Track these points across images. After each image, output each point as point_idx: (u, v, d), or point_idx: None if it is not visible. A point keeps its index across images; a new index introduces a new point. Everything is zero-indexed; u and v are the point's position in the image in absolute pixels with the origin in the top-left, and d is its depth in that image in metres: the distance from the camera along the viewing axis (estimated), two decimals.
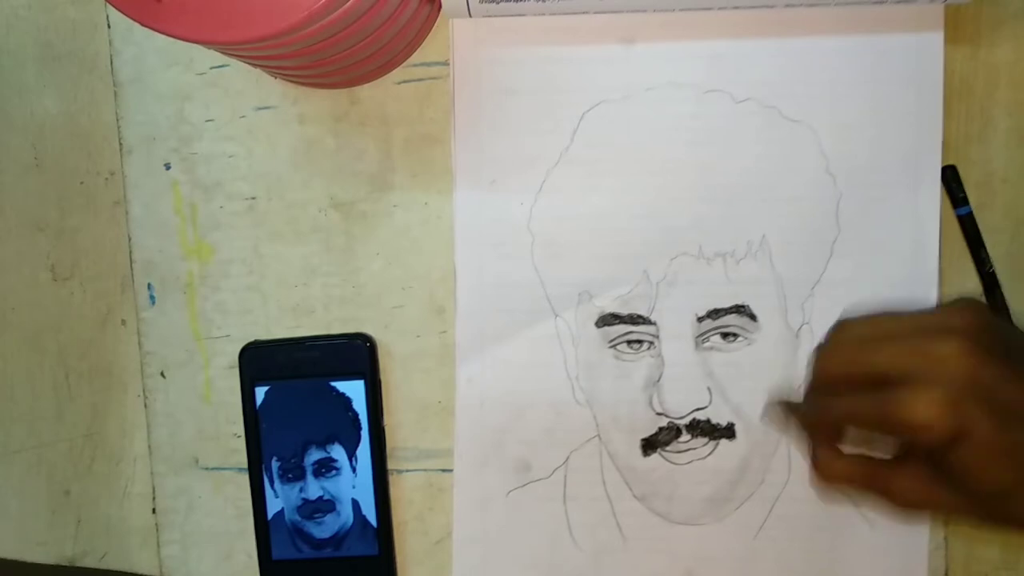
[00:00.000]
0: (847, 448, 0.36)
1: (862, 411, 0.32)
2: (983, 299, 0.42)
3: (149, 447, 0.47)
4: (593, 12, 0.41)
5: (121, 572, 0.47)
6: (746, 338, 0.42)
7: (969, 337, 0.31)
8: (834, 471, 0.35)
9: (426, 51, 0.43)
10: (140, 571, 0.47)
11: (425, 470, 0.45)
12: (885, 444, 0.36)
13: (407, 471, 0.45)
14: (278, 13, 0.31)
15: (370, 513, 0.44)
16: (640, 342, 0.42)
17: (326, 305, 0.45)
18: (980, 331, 0.31)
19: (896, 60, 0.41)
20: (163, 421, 0.46)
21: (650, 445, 0.43)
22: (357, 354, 0.44)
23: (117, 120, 0.46)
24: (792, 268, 0.42)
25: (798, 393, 0.42)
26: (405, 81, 0.44)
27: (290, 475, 0.44)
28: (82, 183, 0.46)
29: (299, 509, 0.44)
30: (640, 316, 0.42)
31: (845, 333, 0.34)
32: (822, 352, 0.35)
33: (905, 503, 0.34)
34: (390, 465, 0.45)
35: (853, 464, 0.35)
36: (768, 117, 0.42)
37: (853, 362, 0.33)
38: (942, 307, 0.33)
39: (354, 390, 0.44)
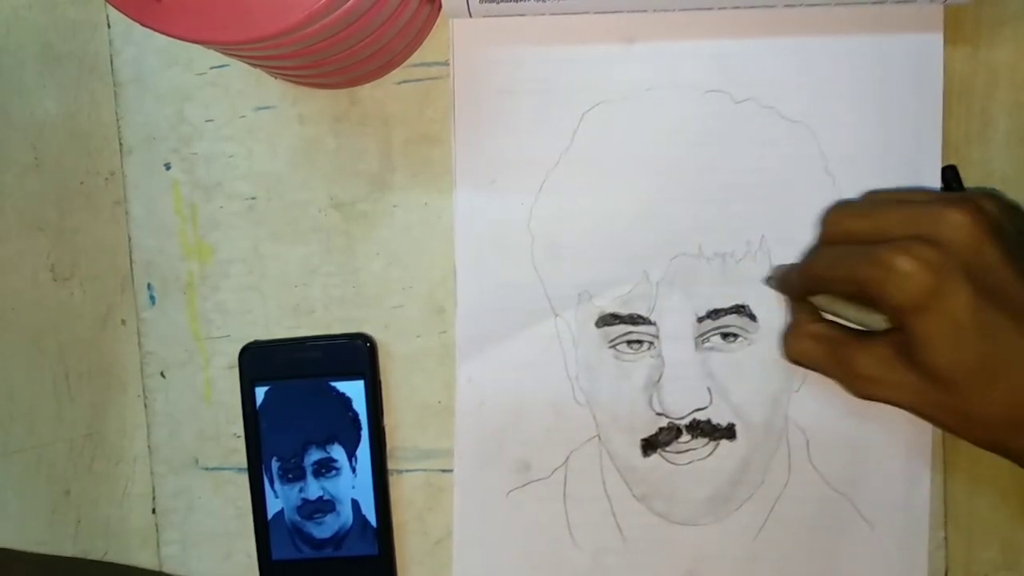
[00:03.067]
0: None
1: (847, 261, 0.32)
2: None
3: (149, 447, 0.47)
4: (593, 12, 0.41)
5: (121, 565, 0.47)
6: (746, 338, 0.42)
7: (983, 214, 0.30)
8: (804, 331, 0.35)
9: (426, 51, 0.43)
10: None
11: (425, 470, 0.45)
12: (864, 319, 0.35)
13: (407, 471, 0.45)
14: (278, 13, 0.31)
15: (370, 513, 0.44)
16: (640, 342, 0.42)
17: (326, 305, 0.45)
18: (994, 214, 0.30)
19: (896, 60, 0.41)
20: (163, 421, 0.46)
21: (650, 445, 0.43)
22: (357, 354, 0.44)
23: (117, 120, 0.46)
24: None
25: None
26: (405, 81, 0.44)
27: (290, 475, 0.44)
28: (82, 183, 0.46)
29: (299, 509, 0.44)
30: (640, 316, 0.42)
31: (867, 196, 0.35)
32: (833, 207, 0.34)
33: (862, 381, 0.33)
34: (390, 465, 0.45)
35: (824, 328, 0.35)
36: (768, 117, 0.42)
37: (862, 217, 0.33)
38: (967, 191, 0.32)
39: (354, 390, 0.44)
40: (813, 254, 0.36)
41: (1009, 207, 0.32)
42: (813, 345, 0.35)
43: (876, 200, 0.34)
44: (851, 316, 0.36)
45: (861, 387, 0.34)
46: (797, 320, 0.37)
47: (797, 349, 0.36)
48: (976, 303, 0.29)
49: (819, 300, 0.38)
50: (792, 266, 0.39)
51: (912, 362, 0.31)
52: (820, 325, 0.36)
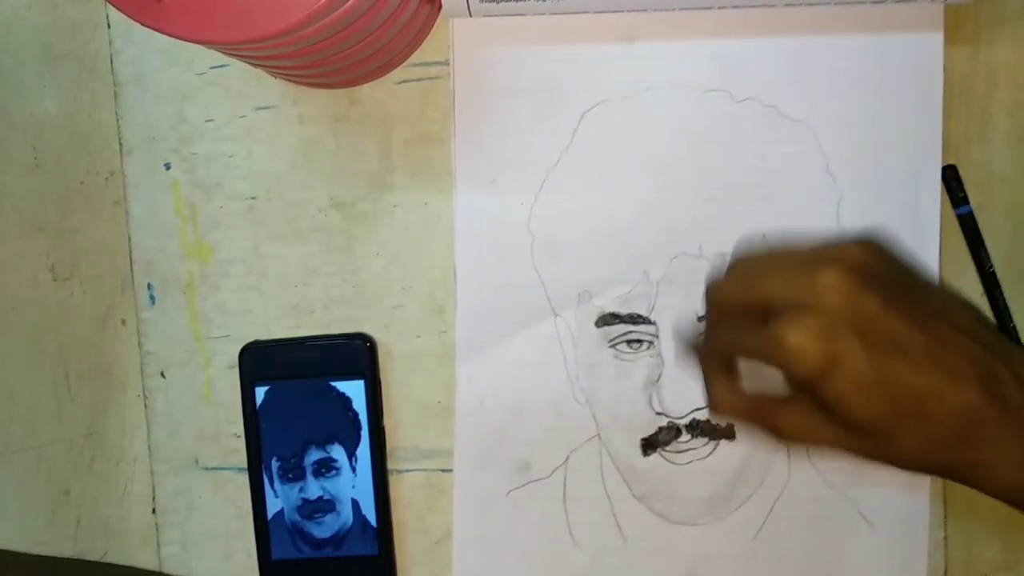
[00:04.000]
0: (744, 382, 0.36)
1: (745, 340, 0.32)
2: (985, 297, 0.42)
3: (149, 447, 0.47)
4: (593, 12, 0.41)
5: (120, 566, 0.47)
6: None
7: (850, 268, 0.30)
8: (726, 403, 0.35)
9: (426, 51, 0.43)
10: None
11: (425, 470, 0.45)
12: (778, 381, 0.35)
13: (407, 471, 0.45)
14: (278, 13, 0.31)
15: (370, 513, 0.44)
16: (640, 342, 0.42)
17: (326, 305, 0.45)
18: (864, 263, 0.31)
19: (896, 60, 0.41)
20: (163, 421, 0.46)
21: (650, 445, 0.43)
22: (357, 354, 0.44)
23: (117, 120, 0.46)
24: None
25: None
26: (405, 81, 0.44)
27: (290, 475, 0.44)
28: (82, 183, 0.46)
29: (299, 509, 0.44)
30: (640, 316, 0.42)
31: (738, 264, 0.34)
32: (714, 283, 0.34)
33: (791, 438, 0.33)
34: (390, 465, 0.45)
35: (743, 398, 0.35)
36: (768, 117, 0.42)
37: (741, 291, 0.33)
38: (837, 240, 0.33)
39: (354, 390, 0.44)
40: (711, 332, 0.36)
41: (880, 250, 0.32)
42: (739, 402, 0.35)
43: (749, 269, 0.34)
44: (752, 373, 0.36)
45: (790, 443, 0.34)
46: (716, 393, 0.37)
47: (724, 404, 0.36)
48: (869, 356, 0.30)
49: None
50: (696, 339, 0.38)
51: (830, 418, 0.32)
52: (736, 396, 0.35)
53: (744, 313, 0.33)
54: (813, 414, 0.32)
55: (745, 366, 0.36)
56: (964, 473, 0.32)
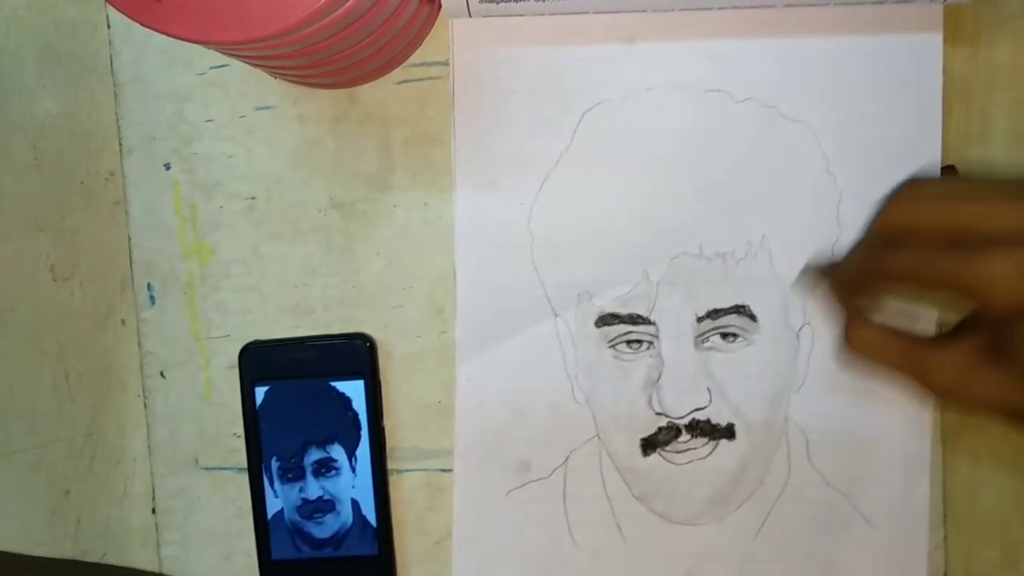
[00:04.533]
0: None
1: (934, 262, 0.30)
2: None
3: (149, 447, 0.47)
4: (593, 12, 0.41)
5: (120, 567, 0.47)
6: (746, 338, 0.42)
7: None
8: (869, 338, 0.33)
9: (426, 51, 0.43)
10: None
11: (425, 470, 0.45)
12: (925, 322, 0.33)
13: (407, 471, 0.45)
14: (278, 13, 0.31)
15: (370, 513, 0.44)
16: (640, 342, 0.42)
17: (326, 305, 0.45)
18: None
19: (896, 60, 0.41)
20: (163, 421, 0.46)
21: (650, 445, 0.43)
22: (357, 354, 0.44)
23: (117, 120, 0.46)
24: (792, 268, 0.42)
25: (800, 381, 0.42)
26: (405, 81, 0.44)
27: (290, 475, 0.44)
28: (82, 183, 0.46)
29: (299, 509, 0.44)
30: (640, 316, 0.42)
31: (925, 187, 0.32)
32: (893, 199, 0.32)
33: (945, 385, 0.31)
34: (390, 465, 0.45)
35: (891, 335, 0.33)
36: (768, 117, 0.42)
37: (936, 212, 0.30)
38: None
39: (354, 390, 0.44)
40: (877, 252, 0.33)
41: None
42: (886, 340, 0.33)
43: (946, 192, 0.31)
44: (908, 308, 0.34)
45: (942, 389, 0.32)
46: (855, 316, 0.34)
47: (868, 343, 0.33)
48: None
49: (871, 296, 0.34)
50: (839, 263, 0.35)
51: (1006, 365, 0.30)
52: (882, 332, 0.33)
53: (926, 238, 0.30)
54: (980, 360, 0.30)
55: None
56: None
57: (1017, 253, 0.28)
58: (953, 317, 0.32)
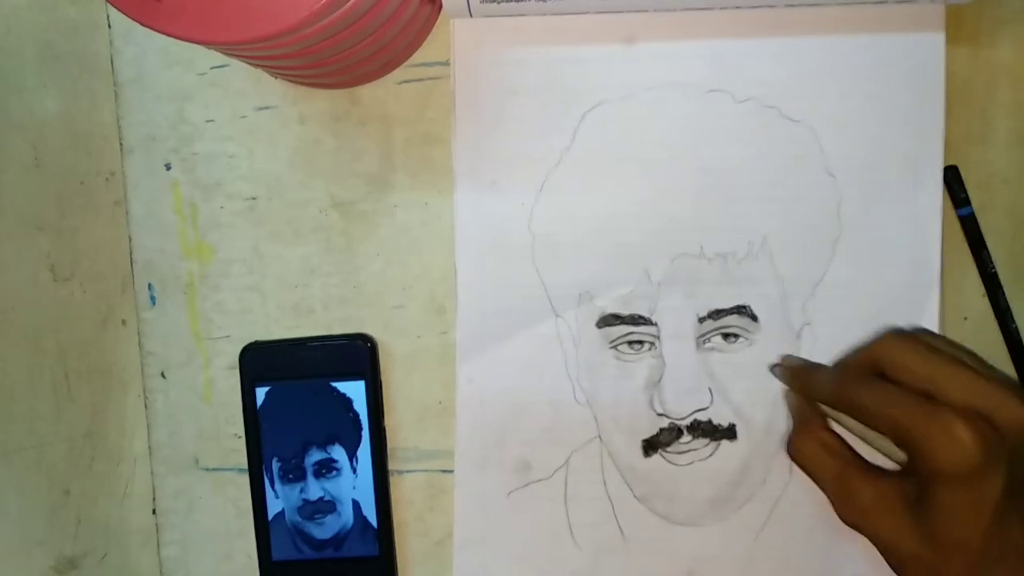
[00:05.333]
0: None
1: (904, 405, 0.32)
2: (986, 299, 0.42)
3: (149, 447, 0.46)
4: (594, 12, 0.41)
5: None
6: (747, 339, 0.42)
7: None
8: (809, 450, 0.36)
9: (426, 51, 0.43)
10: (140, 572, 0.47)
11: (425, 470, 0.45)
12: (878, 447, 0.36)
13: (407, 471, 0.45)
14: (278, 13, 0.31)
15: (371, 514, 0.44)
16: (641, 342, 0.42)
17: (326, 305, 0.45)
18: None
19: (897, 60, 0.41)
20: (163, 421, 0.46)
21: (651, 446, 0.43)
22: (357, 354, 0.44)
23: (117, 120, 0.46)
24: (793, 268, 0.42)
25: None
26: (405, 81, 0.43)
27: (290, 476, 0.44)
28: (82, 183, 0.46)
29: (299, 510, 0.44)
30: (641, 316, 0.42)
31: (922, 338, 0.35)
32: (893, 336, 0.35)
33: (857, 512, 0.34)
34: (391, 466, 0.45)
35: (836, 447, 0.36)
36: (768, 117, 0.41)
37: (927, 363, 0.33)
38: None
39: (355, 390, 0.44)
40: (856, 379, 0.36)
41: None
42: (822, 455, 0.36)
43: (942, 351, 0.34)
44: (859, 435, 0.36)
45: (852, 516, 0.35)
46: (809, 422, 0.37)
47: (806, 453, 0.37)
48: (1005, 493, 0.31)
49: (828, 410, 0.38)
50: (815, 370, 0.39)
51: (916, 516, 0.32)
52: (832, 437, 0.36)
53: (907, 382, 0.33)
54: (898, 504, 0.33)
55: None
56: None
57: (977, 425, 0.31)
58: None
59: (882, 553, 0.34)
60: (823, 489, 0.36)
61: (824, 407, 0.38)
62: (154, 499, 0.47)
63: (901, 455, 0.35)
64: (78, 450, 0.47)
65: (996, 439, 0.30)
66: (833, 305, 0.42)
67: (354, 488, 0.44)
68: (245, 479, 0.45)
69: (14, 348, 0.47)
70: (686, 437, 0.42)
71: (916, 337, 0.35)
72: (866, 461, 0.36)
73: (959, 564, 0.31)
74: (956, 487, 0.31)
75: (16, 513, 0.47)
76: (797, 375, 0.39)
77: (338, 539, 0.44)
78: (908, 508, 0.33)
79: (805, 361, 0.41)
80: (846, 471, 0.35)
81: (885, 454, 0.36)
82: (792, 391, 0.40)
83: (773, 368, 0.41)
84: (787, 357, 0.41)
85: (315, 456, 0.44)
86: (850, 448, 0.36)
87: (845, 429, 0.37)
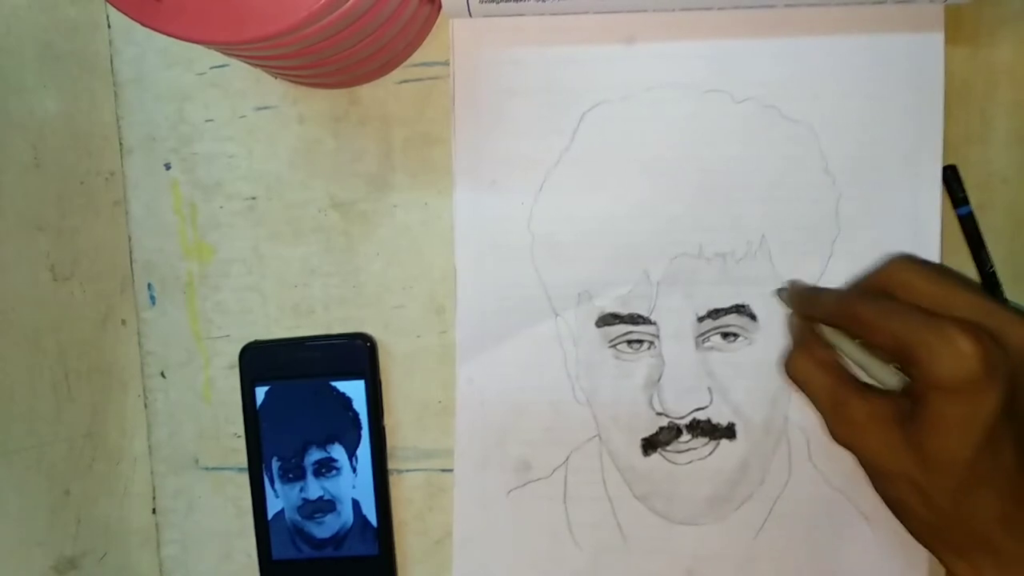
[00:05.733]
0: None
1: (908, 316, 0.32)
2: None
3: (149, 447, 0.47)
4: (593, 12, 0.41)
5: None
6: (746, 338, 0.42)
7: None
8: (803, 366, 0.36)
9: (426, 51, 0.43)
10: (140, 572, 0.47)
11: (425, 470, 0.45)
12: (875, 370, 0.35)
13: (407, 471, 0.45)
14: (278, 13, 0.31)
15: (370, 513, 0.44)
16: (640, 342, 0.42)
17: (326, 305, 0.45)
18: None
19: (896, 60, 0.41)
20: (163, 421, 0.46)
21: (650, 445, 0.43)
22: (357, 354, 0.44)
23: (117, 120, 0.46)
24: (792, 268, 0.42)
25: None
26: (405, 81, 0.44)
27: (290, 475, 0.44)
28: (82, 183, 0.46)
29: (299, 509, 0.44)
30: (640, 316, 0.42)
31: (930, 263, 0.35)
32: (903, 258, 0.35)
33: (849, 427, 0.34)
34: (390, 465, 0.45)
35: (831, 365, 0.35)
36: (768, 117, 0.42)
37: (936, 283, 0.33)
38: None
39: (354, 390, 0.44)
40: (861, 295, 0.35)
41: None
42: (818, 372, 0.35)
43: (950, 275, 0.34)
44: (855, 359, 0.36)
45: (845, 432, 0.34)
46: (807, 341, 0.37)
47: (802, 369, 0.36)
48: (1000, 412, 0.30)
49: (827, 332, 0.37)
50: (821, 290, 0.39)
51: (908, 432, 0.32)
52: (829, 355, 0.36)
53: (915, 299, 0.33)
54: (891, 420, 0.32)
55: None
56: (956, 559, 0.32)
57: (979, 337, 0.30)
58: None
59: (869, 473, 0.34)
60: (816, 406, 0.35)
61: (825, 330, 0.37)
62: (154, 499, 0.47)
63: (896, 381, 0.34)
64: (78, 450, 0.47)
65: (999, 354, 0.30)
66: None
67: (354, 487, 0.44)
68: (245, 478, 0.45)
69: (14, 348, 0.47)
70: (685, 436, 0.43)
71: (924, 261, 0.35)
72: (861, 381, 0.35)
73: (946, 482, 0.31)
74: (952, 399, 0.30)
75: (16, 513, 0.47)
76: (802, 295, 0.39)
77: (338, 538, 0.44)
78: (900, 424, 0.32)
79: (806, 284, 0.40)
80: (840, 387, 0.34)
81: (882, 383, 0.35)
82: (795, 314, 0.39)
83: (780, 291, 0.40)
84: (795, 281, 0.41)
85: (315, 455, 0.44)
86: (844, 367, 0.36)
87: (844, 356, 0.37)
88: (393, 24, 0.38)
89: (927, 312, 0.32)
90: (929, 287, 0.33)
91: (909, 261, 0.35)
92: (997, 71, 0.41)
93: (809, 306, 0.38)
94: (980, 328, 0.30)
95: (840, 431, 0.34)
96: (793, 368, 0.37)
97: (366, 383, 0.44)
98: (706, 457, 0.43)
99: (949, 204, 0.42)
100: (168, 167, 0.45)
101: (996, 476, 0.31)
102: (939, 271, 0.34)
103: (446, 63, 0.43)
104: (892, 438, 0.32)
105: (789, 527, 0.43)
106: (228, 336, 0.45)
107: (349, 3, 0.32)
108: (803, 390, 0.36)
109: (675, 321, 0.42)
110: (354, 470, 0.44)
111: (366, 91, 0.44)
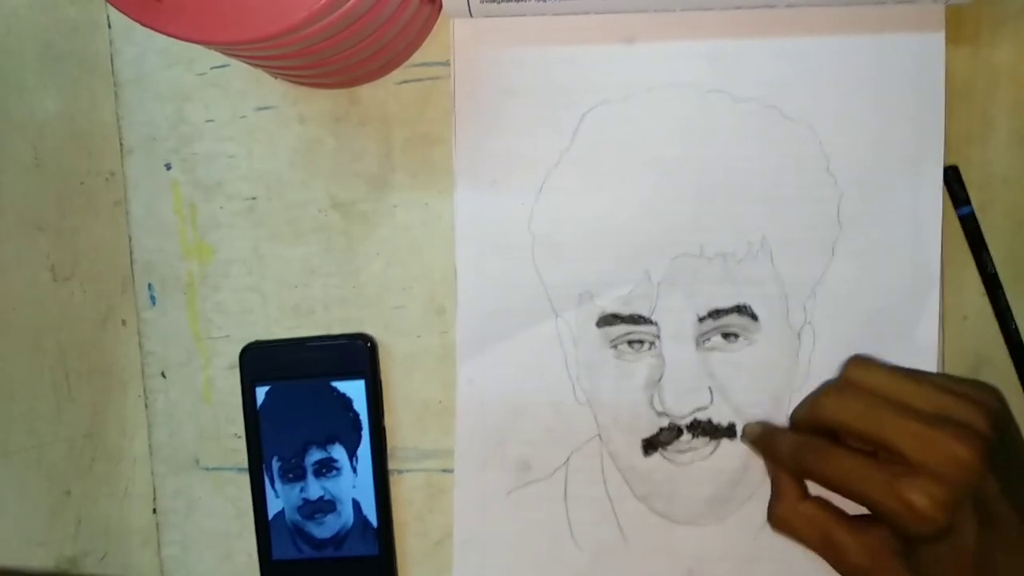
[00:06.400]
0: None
1: (865, 480, 0.33)
2: (986, 298, 0.42)
3: (149, 447, 0.46)
4: (594, 12, 0.41)
5: None
6: (747, 338, 0.42)
7: (987, 444, 0.32)
8: (791, 517, 0.36)
9: (427, 51, 0.43)
10: (140, 572, 0.47)
11: (425, 470, 0.45)
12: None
13: (407, 471, 0.45)
14: (278, 13, 0.31)
15: (371, 513, 0.44)
16: (641, 342, 0.42)
17: (326, 305, 0.45)
18: (989, 437, 0.32)
19: (897, 60, 0.41)
20: (163, 421, 0.46)
21: (651, 445, 0.43)
22: (357, 354, 0.44)
23: (117, 120, 0.46)
24: (793, 268, 0.42)
25: (799, 392, 0.42)
26: (405, 81, 0.43)
27: (291, 475, 0.44)
28: (82, 183, 0.46)
29: (300, 509, 0.44)
30: (641, 316, 0.42)
31: (862, 381, 0.35)
32: (833, 393, 0.35)
33: (853, 570, 0.35)
34: (390, 465, 0.45)
35: (816, 512, 0.36)
36: (768, 117, 0.41)
37: (867, 420, 0.34)
38: (964, 389, 0.34)
39: (355, 390, 0.44)
40: (803, 446, 0.36)
41: (1000, 417, 0.33)
42: (803, 523, 0.36)
43: (877, 402, 0.34)
44: None
45: (853, 573, 0.35)
46: (784, 492, 0.37)
47: (787, 521, 0.37)
48: (979, 532, 0.32)
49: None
50: (776, 436, 0.39)
51: (909, 565, 0.34)
52: (810, 505, 0.36)
53: (856, 440, 0.34)
54: (886, 550, 0.34)
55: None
56: None
57: (938, 489, 0.31)
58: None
59: None
60: (817, 553, 0.36)
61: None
62: (154, 499, 0.47)
63: None
64: (78, 450, 0.47)
65: (952, 495, 0.31)
66: (833, 305, 0.42)
67: (354, 487, 0.44)
68: (245, 479, 0.45)
69: (14, 348, 0.47)
70: (686, 436, 0.42)
71: (853, 384, 0.35)
72: (848, 515, 0.36)
73: None
74: (936, 544, 0.32)
75: (16, 513, 0.47)
76: (759, 444, 0.40)
77: (338, 538, 0.44)
78: (899, 558, 0.34)
79: (764, 426, 0.41)
80: (831, 533, 0.35)
81: None
82: (761, 457, 0.40)
83: (742, 437, 0.42)
84: (748, 425, 0.42)
85: (315, 455, 0.44)
86: (830, 505, 0.36)
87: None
88: (393, 24, 0.38)
89: (876, 469, 0.33)
90: (868, 427, 0.34)
91: (837, 395, 0.35)
92: (998, 71, 0.41)
93: (769, 452, 0.39)
94: (925, 478, 0.31)
95: (847, 569, 0.35)
96: (778, 522, 0.37)
97: (366, 383, 0.44)
98: (707, 457, 0.43)
99: (950, 204, 0.42)
100: (168, 167, 0.45)
101: (1002, 544, 0.32)
102: (868, 395, 0.35)
103: (446, 63, 0.43)
104: (891, 566, 0.34)
105: None
106: (228, 336, 0.45)
107: (349, 3, 0.32)
108: (796, 541, 0.37)
109: (676, 321, 0.42)
110: (354, 470, 0.44)
111: (366, 91, 0.44)
